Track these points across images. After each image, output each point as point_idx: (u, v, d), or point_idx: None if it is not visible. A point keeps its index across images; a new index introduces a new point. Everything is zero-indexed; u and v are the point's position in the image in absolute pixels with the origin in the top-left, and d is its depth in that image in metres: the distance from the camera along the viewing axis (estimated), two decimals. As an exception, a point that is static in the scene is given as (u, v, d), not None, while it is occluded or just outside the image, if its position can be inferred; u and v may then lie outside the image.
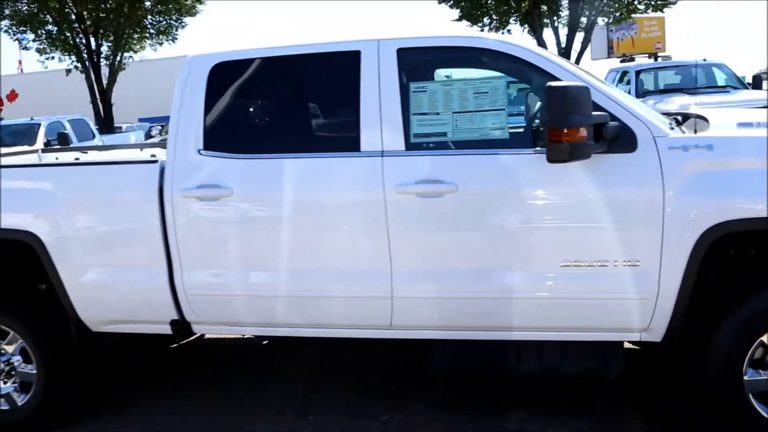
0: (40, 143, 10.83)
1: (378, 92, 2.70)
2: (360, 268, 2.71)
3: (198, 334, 3.90)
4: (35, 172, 3.06)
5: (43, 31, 18.16)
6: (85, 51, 18.15)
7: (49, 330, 3.11)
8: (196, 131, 2.85)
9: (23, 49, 18.82)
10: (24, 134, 11.15)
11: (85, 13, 17.90)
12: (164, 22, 19.28)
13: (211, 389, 3.57)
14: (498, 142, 2.63)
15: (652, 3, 16.91)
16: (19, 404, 3.20)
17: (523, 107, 3.26)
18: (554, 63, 2.63)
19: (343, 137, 2.77)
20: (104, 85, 18.62)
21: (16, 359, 3.18)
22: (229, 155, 2.81)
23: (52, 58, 18.88)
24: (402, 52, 2.74)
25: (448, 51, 2.83)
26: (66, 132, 11.23)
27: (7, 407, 3.22)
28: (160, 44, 19.77)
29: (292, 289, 2.77)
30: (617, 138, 2.47)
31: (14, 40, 18.60)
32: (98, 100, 18.39)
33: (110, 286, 2.96)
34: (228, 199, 2.77)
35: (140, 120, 23.58)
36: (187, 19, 19.58)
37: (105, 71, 18.81)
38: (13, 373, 3.20)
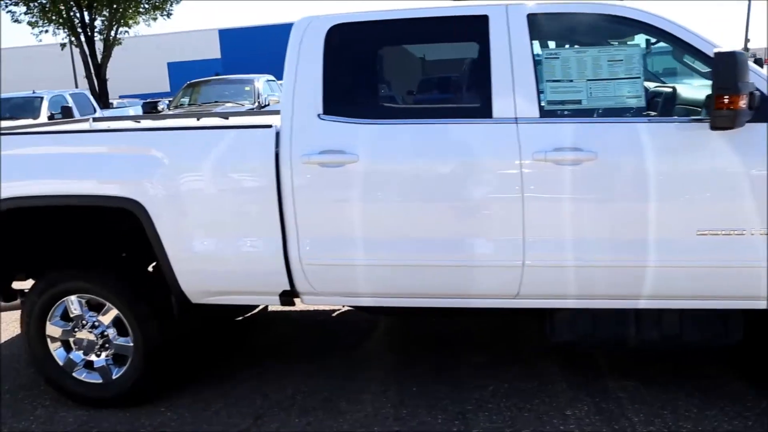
0: (43, 117, 10.30)
1: (509, 58, 2.56)
2: (490, 236, 2.60)
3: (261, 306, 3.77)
4: (141, 137, 2.82)
5: (36, 4, 17.16)
6: (80, 25, 17.24)
7: (150, 302, 2.91)
8: (315, 95, 2.66)
9: (14, 21, 17.81)
10: (26, 107, 10.60)
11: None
12: (158, -3, 18.46)
13: (304, 360, 3.42)
14: (634, 110, 2.53)
15: None
16: (114, 377, 3.01)
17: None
18: (694, 33, 2.52)
19: (472, 103, 2.63)
20: (98, 60, 17.79)
21: (111, 331, 2.99)
22: (353, 120, 2.64)
23: (46, 31, 17.92)
24: (532, 18, 2.60)
25: (579, 17, 2.70)
26: (70, 106, 10.70)
27: (100, 380, 3.03)
28: (154, 19, 18.99)
29: (416, 258, 2.63)
30: (759, 107, 2.40)
31: (6, 12, 17.52)
32: (92, 75, 17.57)
33: (218, 256, 2.77)
34: (353, 165, 2.60)
35: (120, 97, 22.76)
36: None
37: (99, 46, 17.94)
38: (107, 345, 3.01)
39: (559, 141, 2.51)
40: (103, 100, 17.03)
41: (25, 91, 12.01)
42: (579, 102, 2.57)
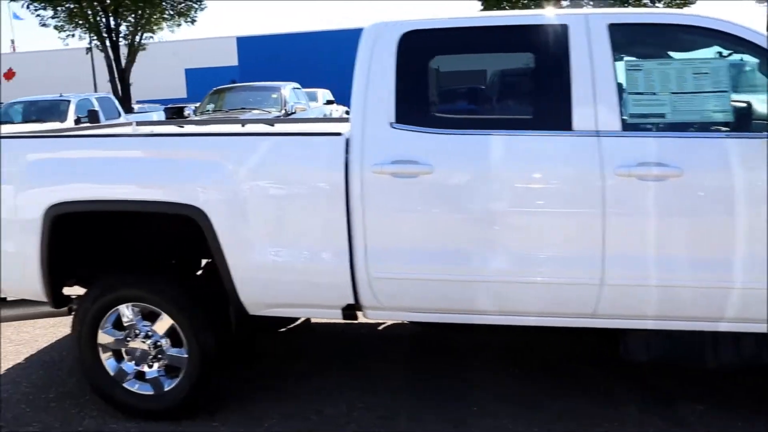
0: (70, 120, 10.29)
1: (590, 69, 2.46)
2: (568, 252, 2.48)
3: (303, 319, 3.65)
4: (204, 143, 2.73)
5: (64, 8, 17.25)
6: (105, 30, 17.31)
7: (208, 312, 2.81)
8: (387, 103, 2.57)
9: (42, 25, 17.90)
10: (52, 110, 10.59)
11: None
12: (184, 3, 18.51)
13: (355, 374, 3.30)
14: (721, 125, 2.42)
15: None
16: (166, 389, 2.90)
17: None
18: None
19: (550, 114, 2.52)
20: (123, 65, 17.85)
21: (164, 342, 2.88)
22: (427, 130, 2.54)
23: (72, 35, 18.01)
24: (613, 28, 2.50)
25: (661, 28, 2.59)
26: (96, 109, 10.69)
27: (151, 391, 2.92)
28: (178, 25, 19.05)
29: (490, 274, 2.52)
30: None
31: (35, 16, 17.62)
32: (116, 79, 17.62)
33: (280, 266, 2.67)
34: (427, 177, 2.50)
35: (137, 102, 22.84)
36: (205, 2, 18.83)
37: (122, 51, 18.01)
38: (160, 356, 2.90)
39: (644, 156, 2.40)
40: (126, 105, 17.07)
41: (49, 94, 12.05)
42: (663, 116, 2.46)
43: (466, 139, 2.52)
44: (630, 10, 2.57)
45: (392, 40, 2.60)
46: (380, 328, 3.99)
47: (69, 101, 10.56)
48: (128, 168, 2.73)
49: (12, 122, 10.53)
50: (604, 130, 2.44)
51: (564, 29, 2.51)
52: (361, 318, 2.80)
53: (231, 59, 38.39)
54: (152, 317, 2.88)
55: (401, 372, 3.32)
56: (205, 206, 2.64)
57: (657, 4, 16.96)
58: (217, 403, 3.00)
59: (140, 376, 2.94)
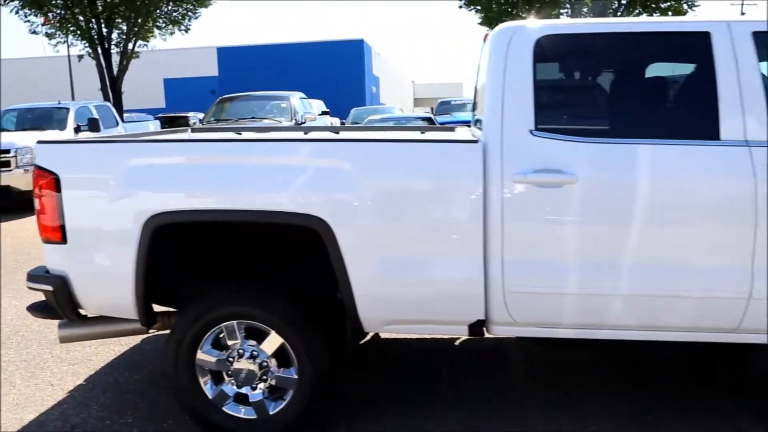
0: (70, 128, 9.82)
1: (737, 77, 2.36)
2: (716, 266, 2.36)
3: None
4: (329, 149, 2.53)
5: (55, 14, 16.55)
6: (97, 37, 16.67)
7: (324, 331, 2.59)
8: (526, 110, 2.42)
9: (32, 33, 17.11)
10: (52, 118, 10.08)
11: (98, -1, 16.40)
12: (178, 12, 17.99)
13: (450, 392, 3.11)
14: None
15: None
16: (271, 413, 2.66)
17: None
18: None
19: (695, 124, 2.41)
20: (115, 73, 17.22)
21: (271, 362, 2.64)
22: (569, 138, 2.40)
23: (64, 42, 17.29)
24: (757, 36, 2.41)
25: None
26: (97, 118, 10.24)
27: (253, 416, 2.67)
28: (171, 34, 18.51)
29: (634, 288, 2.39)
30: None
31: (25, 22, 16.85)
32: (108, 88, 16.96)
33: (407, 281, 2.48)
34: (572, 187, 2.36)
35: (125, 111, 22.18)
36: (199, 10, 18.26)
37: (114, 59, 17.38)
38: (265, 377, 2.66)
39: None
40: (119, 114, 16.48)
41: (23, 103, 11.51)
42: (812, 125, 2.38)
43: (609, 148, 2.38)
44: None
45: (528, 45, 2.46)
46: (457, 343, 3.82)
47: (68, 109, 10.08)
48: (245, 176, 2.49)
49: (6, 130, 9.99)
50: (754, 140, 2.34)
51: (706, 36, 2.41)
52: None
53: (211, 69, 37.83)
54: (257, 336, 2.65)
55: (488, 390, 3.14)
56: (328, 217, 2.44)
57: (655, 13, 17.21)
58: (323, 425, 2.78)
59: (240, 398, 2.70)
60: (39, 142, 2.71)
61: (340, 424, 2.81)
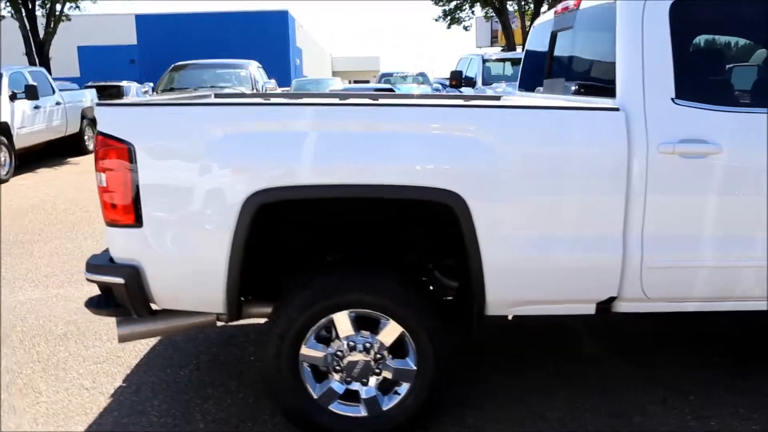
0: (5, 95, 8.57)
1: None
2: None
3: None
4: (463, 115, 2.21)
5: None
6: (21, -1, 14.59)
7: (450, 315, 2.32)
8: (666, 78, 2.24)
9: None
10: (-21, 84, 8.73)
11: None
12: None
13: (543, 371, 2.95)
14: None
15: None
16: (384, 409, 2.38)
17: None
18: None
19: None
20: (41, 37, 15.20)
21: (386, 353, 2.35)
22: (712, 107, 2.25)
23: None
24: None
25: None
26: (35, 84, 9.01)
27: (364, 413, 2.37)
28: (100, -3, 16.57)
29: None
30: None
31: None
32: (33, 53, 14.98)
33: (541, 258, 2.26)
34: (716, 157, 2.23)
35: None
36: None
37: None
38: (378, 370, 2.36)
39: None
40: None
41: None
42: None
43: (753, 117, 2.27)
44: None
45: (663, 8, 2.27)
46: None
47: (0, 74, 8.76)
48: (376, 146, 2.14)
49: None
50: None
51: None
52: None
53: (129, 38, 34.85)
54: (370, 325, 2.33)
55: (579, 363, 3.02)
56: (465, 191, 2.16)
57: None
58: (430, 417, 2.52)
59: (349, 396, 2.39)
60: (101, 104, 2.20)
61: (466, 414, 2.57)
